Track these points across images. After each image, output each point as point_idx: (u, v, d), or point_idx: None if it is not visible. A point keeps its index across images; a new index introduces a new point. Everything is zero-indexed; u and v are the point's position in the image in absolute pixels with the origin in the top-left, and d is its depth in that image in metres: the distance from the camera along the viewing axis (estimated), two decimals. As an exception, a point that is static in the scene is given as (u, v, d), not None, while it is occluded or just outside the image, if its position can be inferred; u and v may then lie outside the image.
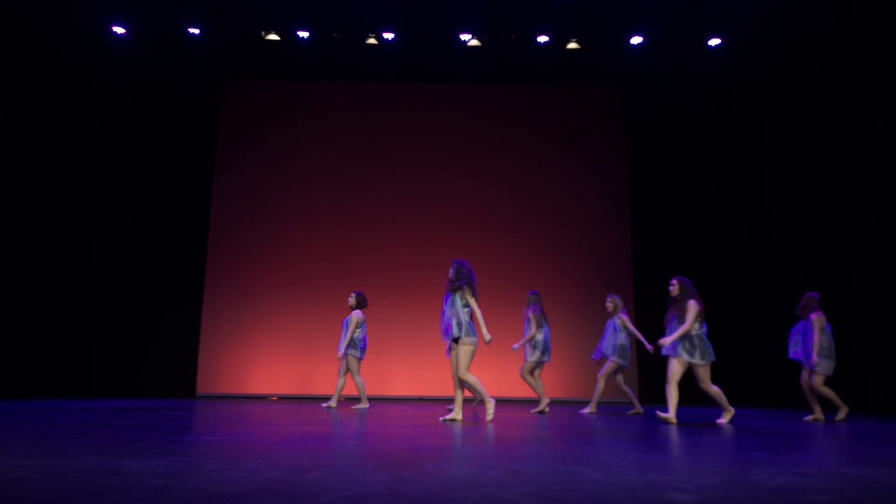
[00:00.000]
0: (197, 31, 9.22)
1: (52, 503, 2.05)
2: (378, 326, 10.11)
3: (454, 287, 5.55)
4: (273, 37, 9.34)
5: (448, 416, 5.63)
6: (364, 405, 7.53)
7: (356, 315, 7.54)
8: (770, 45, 9.32)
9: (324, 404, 7.80)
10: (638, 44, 9.37)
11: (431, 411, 7.15)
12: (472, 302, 5.52)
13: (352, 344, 7.46)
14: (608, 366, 7.37)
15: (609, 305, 7.51)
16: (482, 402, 7.28)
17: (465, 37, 9.34)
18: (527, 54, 9.82)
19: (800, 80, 9.20)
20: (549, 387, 9.97)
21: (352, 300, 7.69)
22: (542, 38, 9.38)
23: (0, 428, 4.42)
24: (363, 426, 5.10)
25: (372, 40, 9.43)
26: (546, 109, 10.85)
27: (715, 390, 5.96)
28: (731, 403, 7.44)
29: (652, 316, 9.88)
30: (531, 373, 7.35)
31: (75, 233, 9.85)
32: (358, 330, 7.49)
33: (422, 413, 6.85)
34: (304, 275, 10.24)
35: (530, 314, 7.31)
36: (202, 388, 9.86)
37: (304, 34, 9.29)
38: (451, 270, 5.67)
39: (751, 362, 9.26)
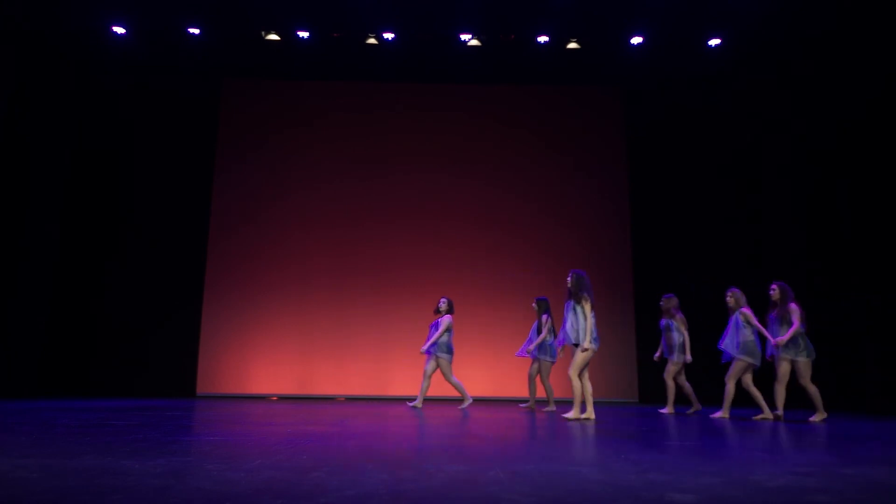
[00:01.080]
0: (197, 31, 9.21)
1: (52, 503, 2.05)
2: (378, 326, 10.13)
3: (577, 297, 6.03)
4: (273, 37, 9.33)
5: (583, 416, 6.01)
6: (468, 401, 7.75)
7: (448, 319, 7.74)
8: (770, 45, 9.32)
9: (409, 404, 7.98)
10: (638, 44, 9.36)
11: (431, 411, 7.15)
12: (588, 310, 6.00)
13: (442, 348, 7.64)
14: (735, 366, 6.63)
15: (730, 300, 6.80)
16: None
17: (465, 37, 9.34)
18: (527, 54, 9.81)
19: (800, 80, 9.21)
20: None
21: (443, 305, 7.85)
22: (542, 38, 9.37)
23: (0, 428, 4.42)
24: (363, 426, 5.10)
25: (372, 40, 9.42)
26: (546, 109, 10.85)
27: (813, 389, 6.21)
28: (734, 404, 7.46)
29: (652, 316, 9.90)
30: (675, 376, 7.50)
31: (75, 233, 9.84)
32: (447, 334, 7.68)
33: (422, 413, 6.85)
34: (304, 275, 10.24)
35: (678, 317, 7.48)
36: (202, 388, 9.86)
37: (304, 34, 9.28)
38: (569, 280, 6.15)
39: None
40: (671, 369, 7.49)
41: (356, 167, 10.58)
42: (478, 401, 9.44)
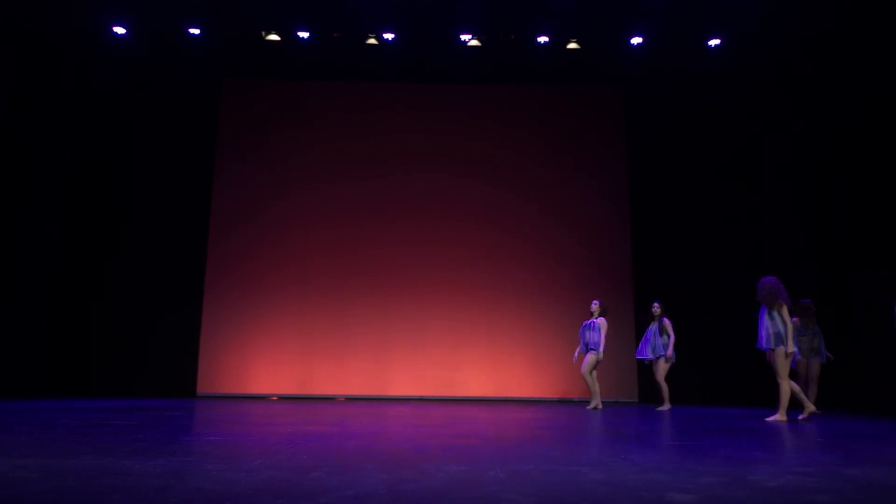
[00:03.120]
0: (197, 31, 9.21)
1: (52, 503, 2.05)
2: (378, 326, 10.13)
3: (771, 303, 6.20)
4: (273, 37, 9.33)
5: (772, 418, 6.20)
6: (595, 404, 8.06)
7: (605, 322, 8.07)
8: (770, 45, 9.32)
9: (588, 407, 8.17)
10: (638, 44, 9.36)
11: (431, 411, 7.15)
12: (786, 315, 6.17)
13: (596, 348, 8.00)
14: None
15: None
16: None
17: (465, 37, 9.33)
18: (527, 54, 9.80)
19: (800, 80, 9.20)
20: (547, 387, 9.97)
21: (596, 307, 8.16)
22: (542, 38, 9.37)
23: (0, 428, 4.42)
24: (363, 426, 5.10)
25: (372, 40, 9.41)
26: (546, 109, 10.85)
27: None
28: (735, 404, 7.47)
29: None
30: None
31: (75, 233, 9.84)
32: (593, 334, 8.06)
33: (422, 413, 6.85)
34: (304, 275, 10.24)
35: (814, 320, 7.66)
36: (202, 388, 9.86)
37: (304, 34, 9.27)
38: (759, 289, 6.31)
39: (751, 363, 9.26)
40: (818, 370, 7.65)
41: (356, 167, 10.57)
42: (478, 401, 9.45)
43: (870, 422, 6.35)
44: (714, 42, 9.32)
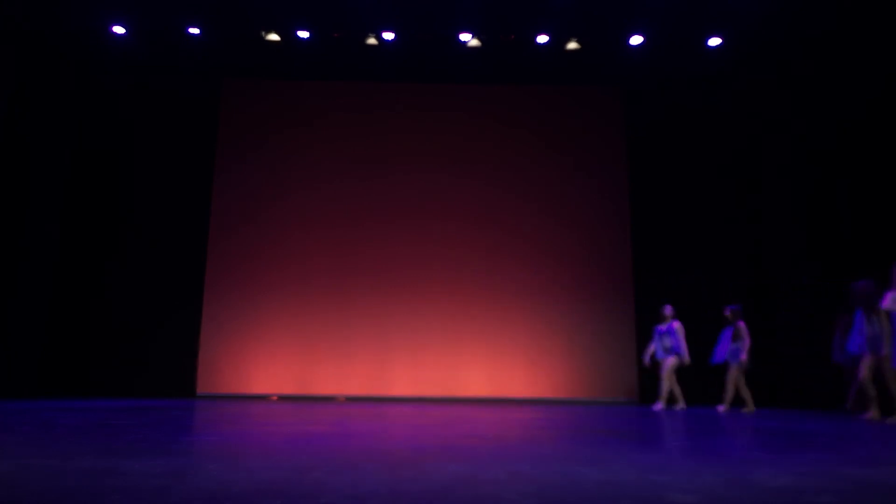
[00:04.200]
0: (197, 31, 9.21)
1: (51, 503, 2.05)
2: (378, 326, 10.13)
3: (867, 306, 6.24)
4: (273, 37, 9.33)
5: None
6: (681, 405, 8.25)
7: (681, 325, 8.24)
8: (770, 45, 9.32)
9: (654, 407, 8.23)
10: (638, 44, 9.36)
11: (431, 411, 7.14)
12: (884, 319, 6.11)
13: (672, 350, 8.17)
14: None
15: None
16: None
17: (465, 37, 9.34)
18: (527, 54, 9.81)
19: (800, 80, 9.21)
20: (547, 387, 9.98)
21: (670, 313, 8.36)
22: (542, 38, 9.37)
23: (0, 428, 4.42)
24: (363, 426, 5.10)
25: (372, 40, 9.42)
26: (546, 109, 10.85)
27: None
28: (735, 404, 7.45)
29: (652, 316, 9.91)
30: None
31: (75, 233, 9.85)
32: (672, 338, 8.22)
33: (422, 413, 6.85)
34: (304, 275, 10.24)
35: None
36: (202, 388, 9.86)
37: (304, 34, 9.28)
38: (857, 292, 6.32)
39: (751, 363, 9.25)
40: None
41: (356, 167, 10.58)
42: (478, 401, 9.45)
43: (870, 422, 6.34)
44: (714, 42, 9.32)
